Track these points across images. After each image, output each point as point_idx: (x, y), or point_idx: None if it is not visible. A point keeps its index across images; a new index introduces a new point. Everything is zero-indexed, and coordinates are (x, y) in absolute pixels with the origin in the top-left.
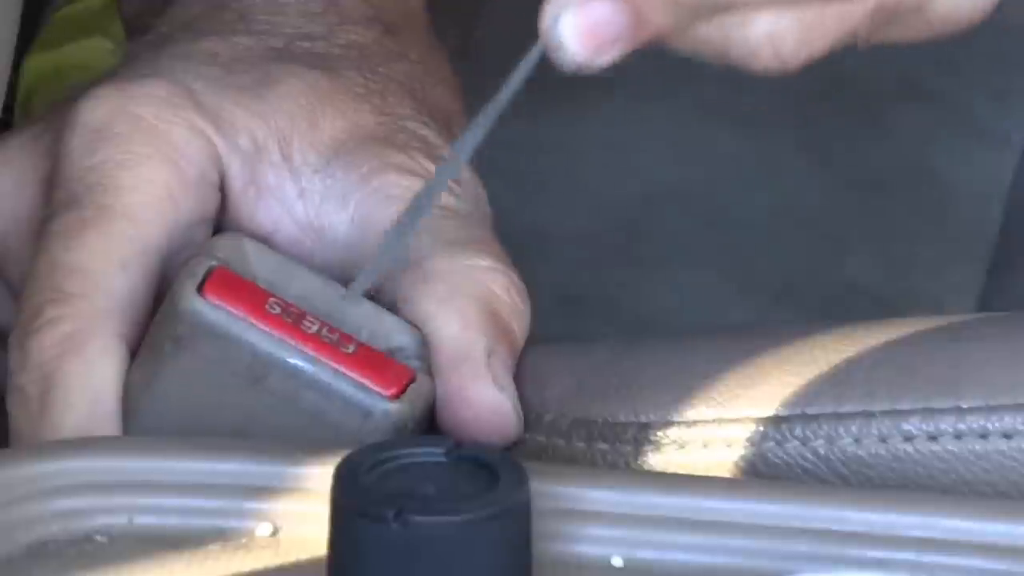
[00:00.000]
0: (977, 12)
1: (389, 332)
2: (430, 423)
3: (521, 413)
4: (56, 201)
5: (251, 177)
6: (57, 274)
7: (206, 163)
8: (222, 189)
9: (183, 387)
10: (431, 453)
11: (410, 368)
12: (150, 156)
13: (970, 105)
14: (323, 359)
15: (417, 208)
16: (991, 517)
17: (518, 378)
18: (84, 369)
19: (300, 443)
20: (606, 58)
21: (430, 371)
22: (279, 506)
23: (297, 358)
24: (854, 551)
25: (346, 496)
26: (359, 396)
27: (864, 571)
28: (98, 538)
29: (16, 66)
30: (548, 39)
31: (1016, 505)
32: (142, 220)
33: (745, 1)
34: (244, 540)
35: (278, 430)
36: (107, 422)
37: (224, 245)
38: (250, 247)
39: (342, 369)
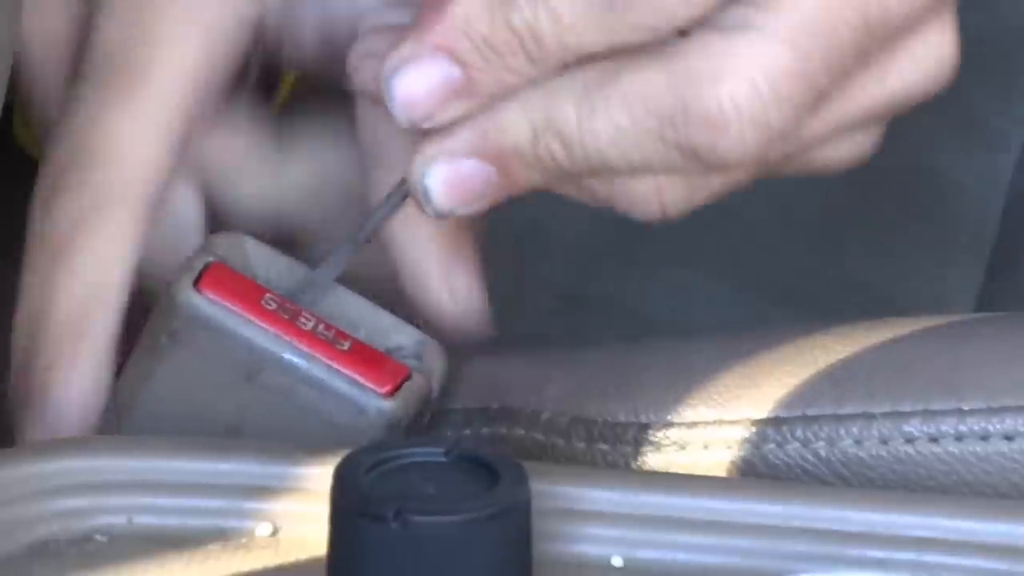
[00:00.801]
0: (859, 158)
1: (387, 331)
2: (426, 421)
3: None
4: (88, 63)
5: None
6: (83, 137)
7: (241, 26)
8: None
9: (179, 381)
10: (431, 453)
11: (406, 366)
12: (185, 23)
13: (970, 105)
14: (318, 355)
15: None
16: (991, 517)
17: (518, 377)
18: (95, 241)
19: (300, 443)
20: (470, 210)
21: (426, 370)
22: (279, 506)
23: (292, 354)
24: (854, 551)
25: (346, 496)
26: (353, 393)
27: (864, 571)
28: (98, 538)
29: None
30: (415, 189)
31: (1016, 505)
32: (172, 89)
33: (617, 168)
34: (244, 540)
35: (273, 425)
36: (108, 296)
37: (223, 242)
38: (249, 244)
39: (337, 365)
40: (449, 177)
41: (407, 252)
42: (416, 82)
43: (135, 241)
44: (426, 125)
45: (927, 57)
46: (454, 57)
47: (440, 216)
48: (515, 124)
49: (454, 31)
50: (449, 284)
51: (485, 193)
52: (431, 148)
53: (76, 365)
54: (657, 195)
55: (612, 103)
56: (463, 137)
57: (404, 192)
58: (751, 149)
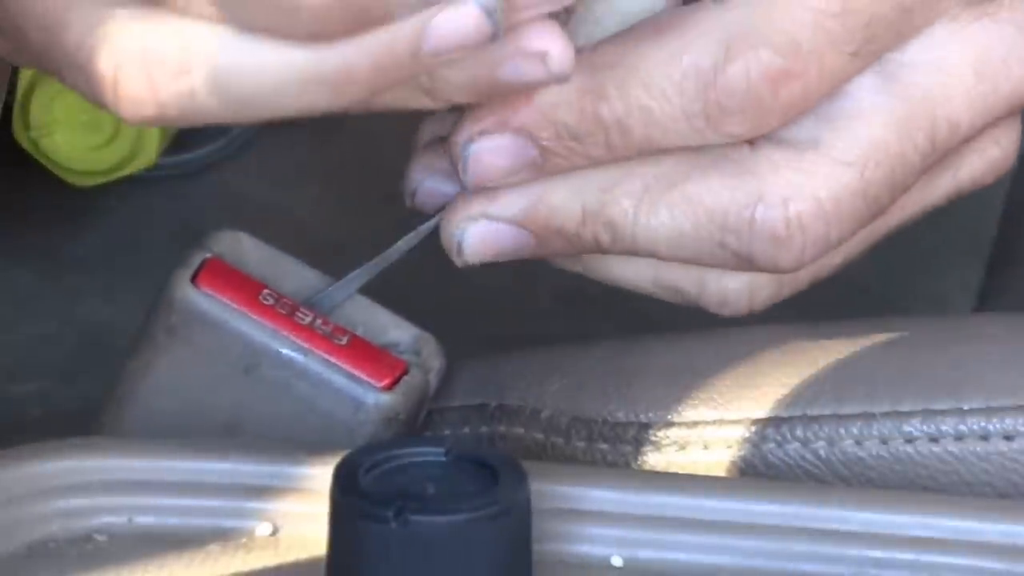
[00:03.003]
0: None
1: (385, 328)
2: (423, 417)
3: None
4: None
5: None
6: None
7: None
8: None
9: (177, 376)
10: (431, 453)
11: (403, 361)
12: None
13: None
14: (315, 350)
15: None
16: (991, 517)
17: (518, 376)
18: None
19: (300, 443)
20: (492, 261)
21: (424, 366)
22: (279, 506)
23: (289, 348)
24: (854, 551)
25: (346, 496)
26: (350, 387)
27: (864, 571)
28: (98, 538)
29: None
30: (448, 238)
31: (1016, 505)
32: None
33: (663, 258)
34: (244, 540)
35: (270, 420)
36: None
37: (221, 239)
38: (248, 242)
39: (334, 360)
40: (486, 237)
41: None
42: (491, 156)
43: None
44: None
45: (995, 152)
46: (533, 139)
47: (464, 265)
48: (566, 205)
49: (539, 117)
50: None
51: (517, 254)
52: (475, 208)
53: None
54: (749, 293)
55: (675, 206)
56: (510, 206)
57: (429, 229)
58: (808, 260)
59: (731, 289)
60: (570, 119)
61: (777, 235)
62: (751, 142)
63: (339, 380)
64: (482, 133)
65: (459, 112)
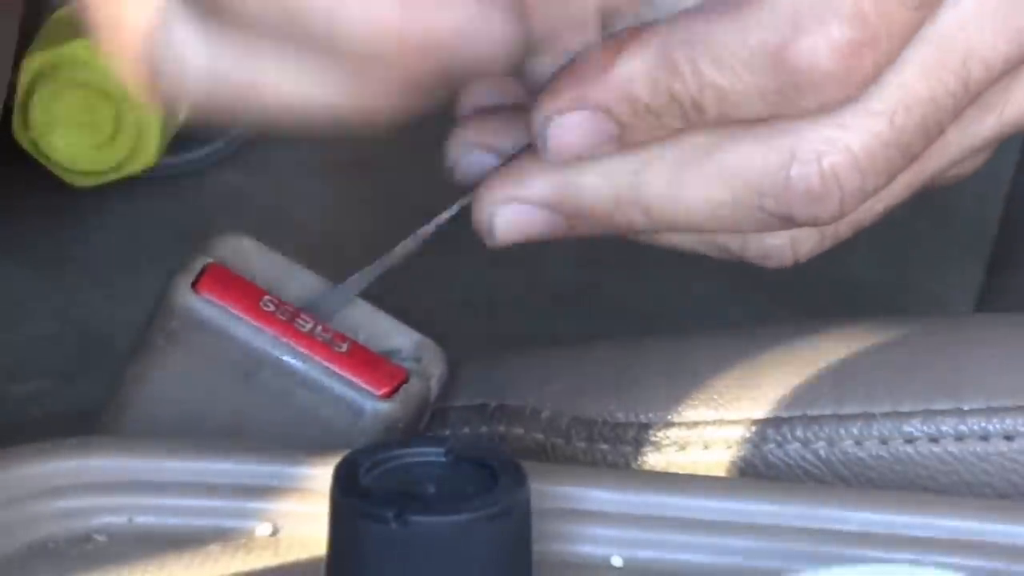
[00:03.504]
0: (972, 172)
1: (386, 334)
2: (424, 424)
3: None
4: None
5: None
6: None
7: None
8: None
9: (176, 382)
10: (431, 453)
11: (403, 368)
12: None
13: None
14: (316, 357)
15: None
16: (991, 517)
17: (518, 377)
18: None
19: (300, 443)
20: (526, 242)
21: (424, 373)
22: (279, 506)
23: (289, 355)
24: (854, 551)
25: (346, 496)
26: (350, 394)
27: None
28: (98, 538)
29: (16, 65)
30: (479, 221)
31: (1016, 505)
32: None
33: (704, 230)
34: (244, 540)
35: (270, 427)
36: None
37: (223, 244)
38: (249, 246)
39: (334, 367)
40: (518, 219)
41: None
42: (572, 133)
43: None
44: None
45: None
46: (611, 115)
47: (495, 247)
48: (596, 192)
49: (616, 93)
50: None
51: (549, 235)
52: (504, 192)
53: None
54: (791, 247)
55: (710, 178)
56: (540, 190)
57: (459, 208)
58: (848, 212)
59: (773, 245)
60: (645, 95)
61: (813, 191)
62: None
63: (338, 387)
64: (559, 112)
65: (505, 81)
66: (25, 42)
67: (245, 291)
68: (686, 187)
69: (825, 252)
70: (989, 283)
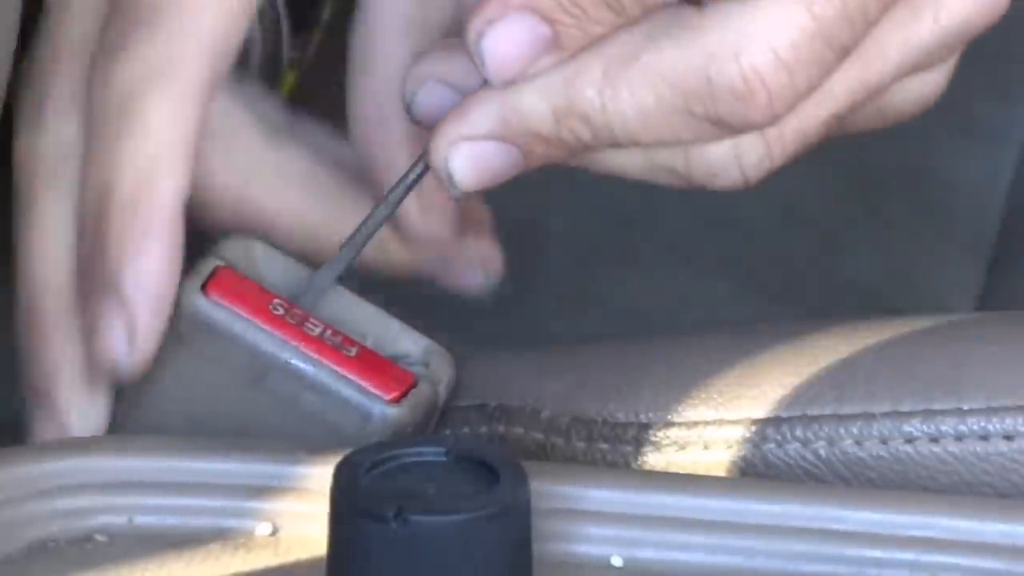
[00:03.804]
0: (931, 98)
1: (394, 338)
2: (431, 428)
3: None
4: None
5: None
6: (145, 8)
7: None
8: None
9: (184, 384)
10: (431, 453)
11: (412, 373)
12: None
13: (970, 105)
14: (324, 361)
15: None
16: (991, 517)
17: (518, 376)
18: (170, 101)
19: (300, 443)
20: (492, 185)
21: (433, 377)
22: (279, 506)
23: (297, 359)
24: (854, 551)
25: (346, 496)
26: (358, 398)
27: (863, 570)
28: (98, 538)
29: (16, 65)
30: (438, 171)
31: (1016, 505)
32: (215, 28)
33: (646, 143)
34: (244, 540)
35: (278, 430)
36: (182, 154)
37: (232, 246)
38: (259, 249)
39: (343, 371)
40: (472, 159)
41: (424, 229)
42: (506, 42)
43: (203, 102)
44: (519, 82)
45: None
46: (541, 15)
47: (463, 196)
48: (534, 109)
49: None
50: (468, 253)
51: (508, 171)
52: (452, 131)
53: (149, 240)
54: (737, 161)
55: (634, 83)
56: (482, 122)
57: (422, 169)
58: (782, 112)
59: (716, 157)
60: None
61: (737, 90)
62: (698, 2)
63: (347, 392)
64: (488, 23)
65: None
66: (26, 42)
67: (254, 294)
68: (616, 93)
69: (825, 252)
70: (989, 283)
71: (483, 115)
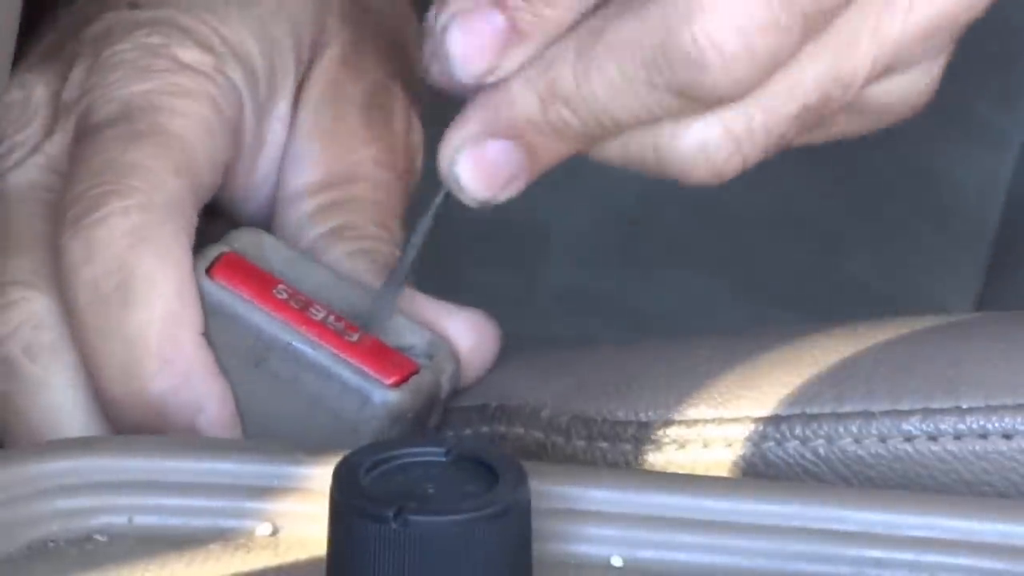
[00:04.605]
0: (919, 100)
1: (400, 331)
2: (435, 421)
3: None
4: (100, 117)
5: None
6: (118, 170)
7: (235, 108)
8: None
9: None
10: (431, 453)
11: (414, 361)
12: (194, 92)
13: (970, 105)
14: (325, 344)
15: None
16: (991, 517)
17: (518, 376)
18: (162, 261)
19: (300, 443)
20: (508, 194)
21: (436, 368)
22: (279, 506)
23: (298, 340)
24: (854, 551)
25: (346, 496)
26: (358, 382)
27: (863, 570)
28: (98, 538)
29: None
30: (448, 181)
31: (1016, 505)
32: (191, 142)
33: (625, 122)
34: (244, 540)
35: (278, 413)
36: (193, 311)
37: (242, 236)
38: (267, 241)
39: (343, 355)
40: (476, 162)
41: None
42: (466, 36)
43: (190, 263)
44: (491, 80)
45: None
46: (496, 5)
47: (482, 205)
48: (521, 96)
49: None
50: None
51: (515, 173)
52: (454, 138)
53: (203, 392)
54: (704, 155)
55: (601, 59)
56: (478, 118)
57: (446, 189)
58: (744, 78)
59: (684, 149)
60: None
61: (691, 57)
62: None
63: (347, 374)
64: (449, 19)
65: None
66: (25, 41)
67: (259, 279)
68: (589, 73)
69: (825, 252)
70: (989, 283)
71: (478, 114)
